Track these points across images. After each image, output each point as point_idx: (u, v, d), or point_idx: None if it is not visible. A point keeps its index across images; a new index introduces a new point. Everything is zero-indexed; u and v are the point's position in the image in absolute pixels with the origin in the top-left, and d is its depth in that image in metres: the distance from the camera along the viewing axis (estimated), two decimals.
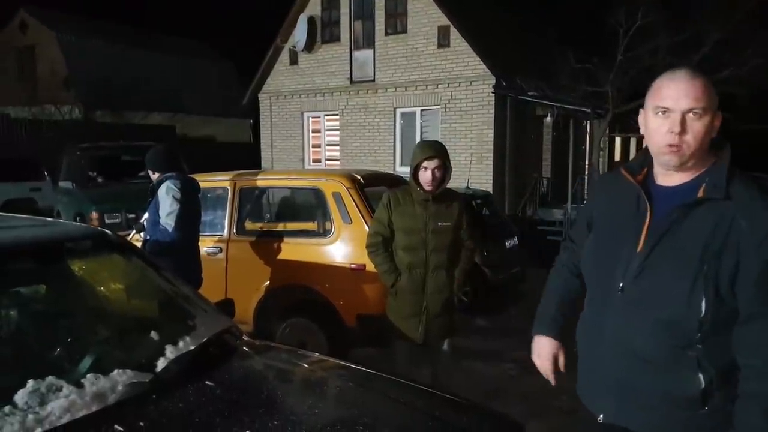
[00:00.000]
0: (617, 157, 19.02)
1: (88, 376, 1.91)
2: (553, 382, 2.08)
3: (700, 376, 1.64)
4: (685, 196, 1.66)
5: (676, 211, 1.65)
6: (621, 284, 1.73)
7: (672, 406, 1.69)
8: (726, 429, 1.64)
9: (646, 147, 1.77)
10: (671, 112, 1.63)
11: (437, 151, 3.43)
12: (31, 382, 1.80)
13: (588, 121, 14.21)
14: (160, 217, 4.34)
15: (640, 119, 1.75)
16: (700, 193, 1.64)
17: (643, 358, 1.70)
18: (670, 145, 1.63)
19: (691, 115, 1.61)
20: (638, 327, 1.70)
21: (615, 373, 1.77)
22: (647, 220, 1.71)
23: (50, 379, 1.84)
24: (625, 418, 1.78)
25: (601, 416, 1.83)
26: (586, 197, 13.61)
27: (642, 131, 1.75)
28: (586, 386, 1.93)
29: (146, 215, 4.67)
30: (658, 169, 1.76)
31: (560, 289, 2.12)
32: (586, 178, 14.14)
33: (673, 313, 1.63)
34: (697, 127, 1.61)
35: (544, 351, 2.07)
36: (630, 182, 1.79)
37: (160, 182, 4.45)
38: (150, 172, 4.62)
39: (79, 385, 1.86)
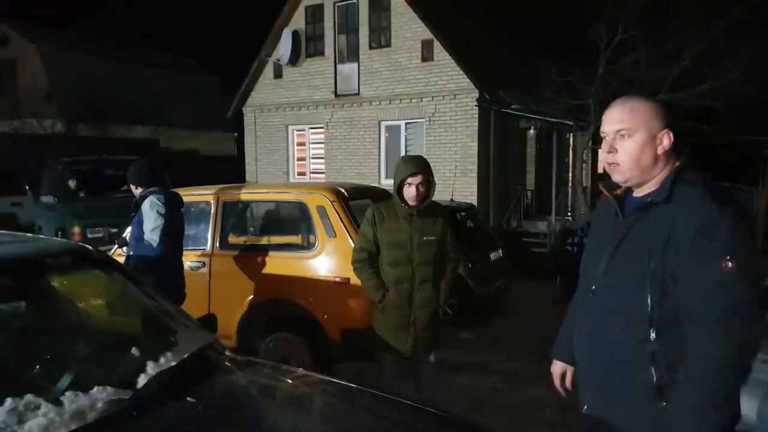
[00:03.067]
0: (600, 169, 19.17)
1: (67, 393, 1.88)
2: (563, 393, 2.28)
3: (652, 369, 1.77)
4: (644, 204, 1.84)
5: (630, 217, 1.85)
6: (593, 287, 1.93)
7: (636, 400, 1.82)
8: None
9: None
10: (606, 135, 1.86)
11: (420, 167, 3.45)
12: (9, 401, 1.77)
13: (571, 134, 14.34)
14: (144, 233, 4.30)
15: None
16: (648, 199, 1.82)
17: (611, 354, 1.86)
18: (609, 164, 1.86)
19: (620, 135, 1.82)
20: (605, 325, 1.88)
21: (592, 369, 1.96)
22: (621, 228, 1.89)
23: (28, 397, 1.81)
24: (601, 411, 1.94)
25: (585, 407, 2.02)
26: (570, 209, 13.71)
27: None
28: (578, 379, 2.11)
29: (128, 230, 4.63)
30: None
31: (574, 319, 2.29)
32: (569, 190, 14.26)
33: (628, 309, 1.80)
34: (627, 144, 1.81)
35: (555, 371, 2.30)
36: (606, 198, 1.98)
37: (143, 197, 4.40)
38: (132, 187, 4.58)
39: (58, 403, 1.83)
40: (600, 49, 11.72)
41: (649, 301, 1.75)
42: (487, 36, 14.92)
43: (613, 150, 1.83)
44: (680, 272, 1.70)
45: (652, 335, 1.76)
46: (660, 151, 1.82)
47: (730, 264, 1.64)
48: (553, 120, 13.01)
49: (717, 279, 1.65)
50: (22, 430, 1.71)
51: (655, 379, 1.76)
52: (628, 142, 1.81)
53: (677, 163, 1.85)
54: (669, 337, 1.75)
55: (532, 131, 14.13)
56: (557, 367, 2.29)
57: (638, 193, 1.90)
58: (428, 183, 3.47)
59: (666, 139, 1.81)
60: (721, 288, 1.65)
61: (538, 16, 16.64)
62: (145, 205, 4.34)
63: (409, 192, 3.43)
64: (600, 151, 1.94)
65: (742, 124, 12.82)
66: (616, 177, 1.88)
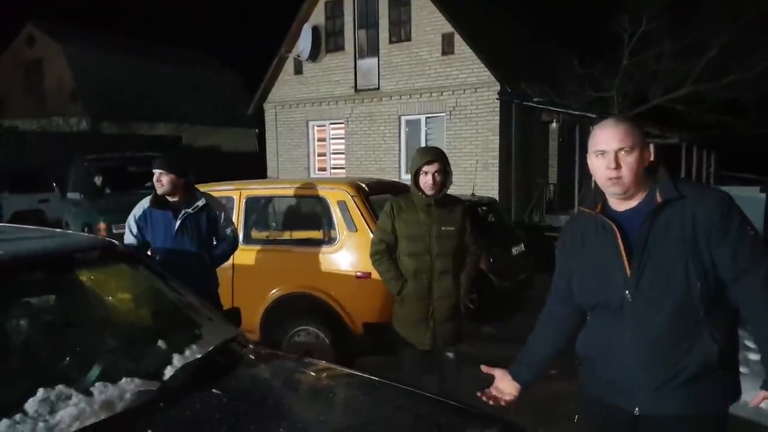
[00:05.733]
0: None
1: (96, 384, 1.94)
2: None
3: (712, 342, 1.94)
4: (645, 211, 2.02)
5: (646, 221, 2.00)
6: (627, 292, 2.02)
7: (701, 377, 1.96)
8: (732, 392, 2.02)
9: (596, 184, 2.16)
10: (606, 153, 2.03)
11: (436, 155, 3.47)
12: (41, 391, 1.83)
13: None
14: (221, 234, 4.21)
15: (589, 162, 2.13)
16: (659, 200, 2.01)
17: (665, 345, 1.98)
18: (610, 178, 2.03)
19: (622, 152, 2.01)
20: (654, 320, 1.98)
21: (642, 370, 2.01)
22: (617, 235, 2.05)
23: (60, 387, 1.86)
24: (659, 407, 2.01)
25: (637, 409, 2.05)
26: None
27: (591, 172, 2.13)
28: (611, 389, 2.12)
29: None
30: (611, 200, 2.13)
31: (544, 338, 2.44)
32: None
33: (679, 295, 1.95)
34: (628, 160, 2.01)
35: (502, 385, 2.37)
36: (589, 213, 2.17)
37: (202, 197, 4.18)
38: (181, 181, 4.07)
39: (88, 394, 1.89)
40: (623, 40, 11.58)
41: (698, 286, 1.92)
42: (508, 29, 14.82)
43: (618, 166, 2.01)
44: (717, 252, 1.93)
45: (704, 311, 1.94)
46: (646, 164, 2.06)
47: (752, 232, 1.96)
48: (576, 113, 12.88)
49: (750, 246, 1.94)
50: (53, 419, 1.76)
51: (717, 349, 1.93)
52: (629, 158, 2.00)
53: (662, 172, 2.07)
54: (717, 312, 1.95)
55: (554, 124, 14.01)
56: (512, 389, 2.34)
57: (621, 207, 2.09)
58: (445, 172, 3.48)
59: (648, 155, 2.05)
60: (757, 250, 1.95)
61: (560, 7, 16.47)
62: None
63: (426, 180, 3.43)
64: (599, 167, 2.05)
65: None
66: (616, 189, 2.04)
